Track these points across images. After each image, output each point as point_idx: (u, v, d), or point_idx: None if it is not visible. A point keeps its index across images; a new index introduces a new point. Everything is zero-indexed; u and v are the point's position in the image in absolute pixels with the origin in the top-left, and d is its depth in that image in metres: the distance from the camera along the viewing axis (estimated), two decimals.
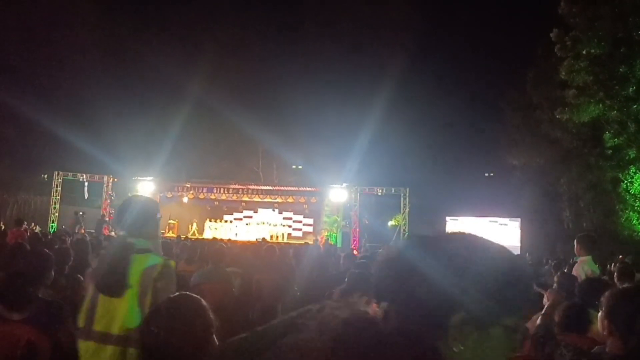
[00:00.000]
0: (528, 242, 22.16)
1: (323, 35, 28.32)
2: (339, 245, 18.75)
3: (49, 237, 10.93)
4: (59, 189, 20.62)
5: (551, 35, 18.30)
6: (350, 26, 29.12)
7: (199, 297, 1.85)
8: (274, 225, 22.16)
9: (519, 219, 23.19)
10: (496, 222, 23.32)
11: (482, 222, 23.03)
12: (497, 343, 0.87)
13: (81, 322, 2.62)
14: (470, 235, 0.96)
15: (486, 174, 24.70)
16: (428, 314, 0.83)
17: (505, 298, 0.86)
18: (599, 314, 2.02)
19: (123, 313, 2.50)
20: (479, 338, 0.85)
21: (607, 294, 2.01)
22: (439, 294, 0.82)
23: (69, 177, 21.00)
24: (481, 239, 0.95)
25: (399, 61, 24.99)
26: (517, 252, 15.78)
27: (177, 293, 2.01)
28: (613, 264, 10.79)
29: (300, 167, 26.02)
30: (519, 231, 22.93)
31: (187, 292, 1.95)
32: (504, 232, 22.81)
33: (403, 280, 0.87)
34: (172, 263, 2.73)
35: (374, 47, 28.94)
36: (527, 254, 14.21)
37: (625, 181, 18.32)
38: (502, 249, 0.93)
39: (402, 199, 21.34)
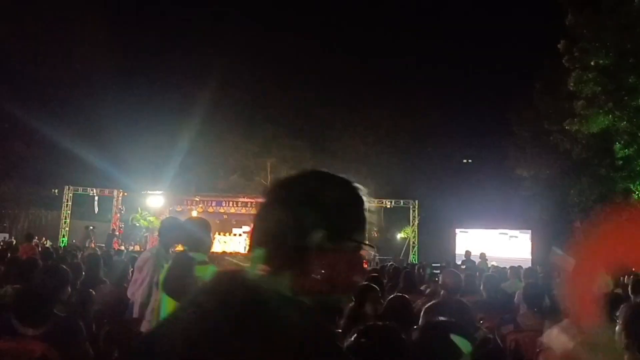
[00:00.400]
0: (539, 254, 21.97)
1: (329, 44, 28.47)
2: None
3: (60, 251, 11.04)
4: (70, 203, 20.78)
5: (558, 46, 18.30)
6: (354, 33, 29.27)
7: None
8: None
9: (530, 231, 23.05)
10: (506, 234, 23.19)
11: (492, 235, 22.92)
12: (350, 257, 1.05)
13: (154, 323, 3.19)
14: (317, 171, 1.15)
15: (495, 183, 24.53)
16: (293, 238, 1.00)
17: (352, 216, 1.08)
18: (617, 328, 2.00)
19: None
20: (335, 253, 1.02)
21: (623, 308, 2.02)
22: (299, 218, 1.00)
23: (79, 192, 21.17)
24: (327, 172, 1.15)
25: (406, 72, 25.11)
26: (528, 264, 15.69)
27: None
28: (626, 276, 10.70)
29: None
30: (529, 243, 22.77)
31: None
32: (514, 244, 22.68)
33: (273, 220, 1.04)
34: None
35: (380, 57, 29.03)
36: (537, 267, 14.07)
37: (637, 192, 18.17)
38: (344, 179, 1.14)
39: (411, 211, 21.29)
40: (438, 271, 8.15)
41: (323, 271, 1.00)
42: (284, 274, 0.99)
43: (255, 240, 1.06)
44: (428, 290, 5.96)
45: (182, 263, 3.09)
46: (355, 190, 1.14)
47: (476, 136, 26.80)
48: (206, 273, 2.86)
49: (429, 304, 2.43)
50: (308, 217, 1.01)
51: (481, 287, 5.65)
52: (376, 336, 2.01)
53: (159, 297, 3.15)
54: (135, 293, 4.15)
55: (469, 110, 27.19)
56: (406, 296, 3.74)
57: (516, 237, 23.09)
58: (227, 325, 0.92)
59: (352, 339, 2.03)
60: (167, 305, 2.98)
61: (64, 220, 20.59)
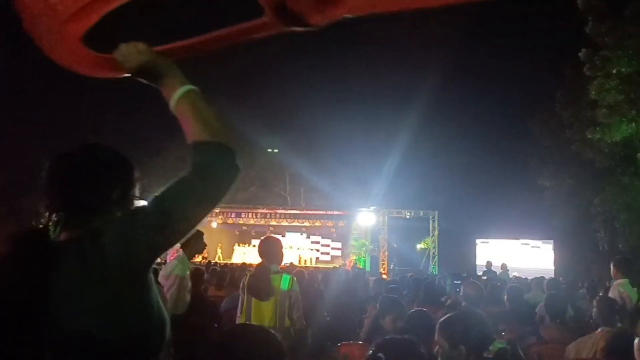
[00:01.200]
0: (562, 264, 21.65)
1: (350, 57, 28.65)
2: (367, 269, 18.63)
3: None
4: None
5: (579, 54, 18.13)
6: (378, 48, 29.35)
7: (273, 332, 1.68)
8: (302, 250, 22.18)
9: (552, 241, 22.72)
10: (528, 244, 22.91)
11: (513, 245, 22.64)
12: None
13: (242, 319, 3.89)
14: (98, 145, 1.54)
15: (516, 196, 24.29)
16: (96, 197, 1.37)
17: (133, 178, 1.52)
18: (636, 341, 2.01)
19: (269, 312, 3.87)
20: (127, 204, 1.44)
21: None
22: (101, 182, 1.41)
23: None
24: (108, 147, 1.54)
25: (426, 83, 25.01)
26: (551, 274, 15.46)
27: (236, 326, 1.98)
28: None
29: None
30: (552, 253, 22.45)
31: (260, 326, 1.86)
32: (536, 254, 22.38)
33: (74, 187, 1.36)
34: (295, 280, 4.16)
35: (401, 70, 29.05)
36: (560, 278, 13.86)
37: None
38: (120, 154, 1.54)
39: (430, 221, 21.15)
40: (459, 282, 8.06)
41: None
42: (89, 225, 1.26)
43: (56, 207, 1.32)
44: (449, 302, 5.89)
45: (262, 272, 4.03)
46: (128, 161, 1.50)
47: (497, 146, 26.56)
48: (281, 280, 3.99)
49: (443, 317, 2.41)
50: (106, 180, 1.38)
51: (505, 298, 5.58)
52: (394, 350, 2.02)
53: (246, 298, 3.94)
54: None
55: (490, 119, 26.99)
56: (426, 310, 3.70)
57: (538, 247, 22.78)
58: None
59: (370, 352, 2.02)
60: (253, 305, 3.89)
61: None
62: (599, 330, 3.69)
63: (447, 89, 26.77)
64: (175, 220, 1.23)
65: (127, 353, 1.16)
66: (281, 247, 4.29)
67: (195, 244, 4.82)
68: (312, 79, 28.04)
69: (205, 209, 1.30)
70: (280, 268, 4.22)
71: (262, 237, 4.55)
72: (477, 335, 2.22)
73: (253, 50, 27.68)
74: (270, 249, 4.19)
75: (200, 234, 4.92)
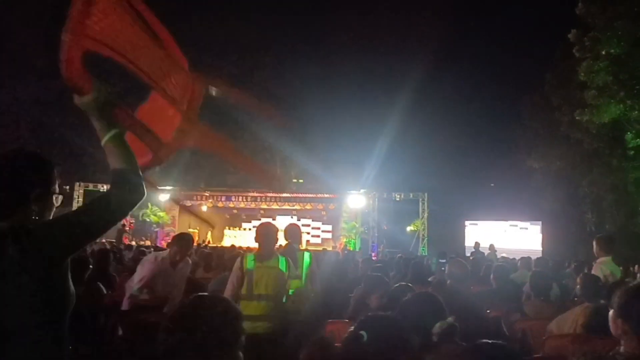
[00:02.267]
0: (550, 245, 21.88)
1: (342, 40, 28.43)
2: (358, 250, 18.72)
3: None
4: (81, 199, 20.96)
5: (569, 36, 18.11)
6: (369, 31, 29.15)
7: (224, 298, 1.78)
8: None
9: (540, 223, 22.94)
10: (516, 226, 23.12)
11: (502, 226, 22.83)
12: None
13: (244, 290, 4.07)
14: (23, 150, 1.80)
15: (505, 178, 24.44)
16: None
17: (52, 177, 1.82)
18: (610, 313, 1.97)
19: (273, 279, 4.16)
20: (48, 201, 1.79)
21: (619, 292, 1.96)
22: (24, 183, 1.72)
23: (89, 188, 21.33)
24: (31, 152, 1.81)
25: (417, 67, 24.94)
26: (538, 255, 15.61)
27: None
28: (637, 266, 10.60)
29: (301, 180, 25.85)
30: (540, 235, 22.67)
31: (221, 296, 1.88)
32: (524, 236, 22.60)
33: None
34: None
35: (392, 54, 28.95)
36: (549, 260, 14.01)
37: None
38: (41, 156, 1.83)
39: (420, 204, 21.24)
40: (444, 260, 8.12)
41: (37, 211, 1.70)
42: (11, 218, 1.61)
43: None
44: (435, 280, 5.94)
45: (292, 250, 5.01)
46: (48, 163, 1.80)
47: (487, 128, 26.63)
48: (303, 255, 4.99)
49: (417, 292, 2.47)
50: (25, 182, 1.69)
51: (491, 277, 5.63)
52: (376, 327, 2.01)
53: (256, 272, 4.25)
54: (128, 285, 4.33)
55: (480, 102, 27.01)
56: (410, 285, 3.72)
57: (526, 228, 23.00)
58: None
59: (352, 329, 2.04)
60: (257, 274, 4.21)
61: None
62: (578, 306, 3.73)
63: (438, 72, 26.75)
64: (80, 232, 1.63)
65: (55, 310, 1.59)
66: (301, 232, 5.60)
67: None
68: (303, 62, 27.84)
69: (112, 218, 1.70)
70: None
71: (288, 224, 5.54)
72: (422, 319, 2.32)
73: (246, 34, 27.45)
74: (294, 232, 5.33)
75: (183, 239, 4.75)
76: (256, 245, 4.38)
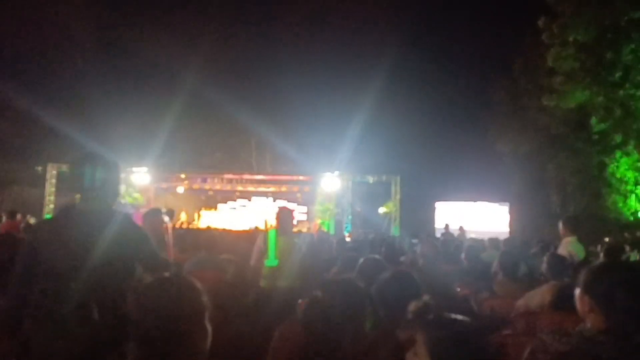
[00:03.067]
0: (517, 226, 22.59)
1: (315, 22, 28.40)
2: (331, 232, 19.00)
3: None
4: (54, 180, 20.64)
5: (538, 22, 18.49)
6: (341, 14, 29.18)
7: (192, 279, 1.75)
8: (268, 214, 22.37)
9: (508, 204, 23.61)
10: (485, 207, 23.77)
11: (471, 207, 23.44)
12: None
13: (267, 257, 5.19)
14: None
15: (475, 160, 24.98)
16: None
17: None
18: (576, 291, 1.98)
19: (287, 250, 5.25)
20: None
21: (585, 270, 1.98)
22: None
23: (63, 169, 21.01)
24: None
25: (389, 49, 25.11)
26: (506, 236, 16.16)
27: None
28: (600, 246, 11.14)
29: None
30: (508, 216, 23.36)
31: (182, 275, 1.88)
32: (493, 216, 23.25)
33: None
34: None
35: (364, 36, 28.98)
36: (517, 240, 14.53)
37: (612, 165, 18.68)
38: None
39: (393, 186, 21.59)
40: (416, 241, 8.43)
41: None
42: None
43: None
44: (407, 260, 6.21)
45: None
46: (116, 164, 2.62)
47: (458, 112, 27.09)
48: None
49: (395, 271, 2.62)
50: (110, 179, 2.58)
51: (462, 257, 5.92)
52: (333, 289, 2.10)
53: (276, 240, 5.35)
54: None
55: (451, 87, 27.40)
56: (378, 257, 3.83)
57: (495, 210, 23.66)
58: None
59: (312, 293, 2.14)
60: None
61: (48, 197, 20.47)
62: (545, 284, 3.90)
63: (409, 56, 26.94)
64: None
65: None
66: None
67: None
68: (277, 44, 27.75)
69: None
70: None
71: (280, 207, 6.03)
72: (395, 302, 2.33)
73: (218, 15, 27.14)
74: (285, 217, 5.68)
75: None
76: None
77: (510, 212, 23.45)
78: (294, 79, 25.43)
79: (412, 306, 2.06)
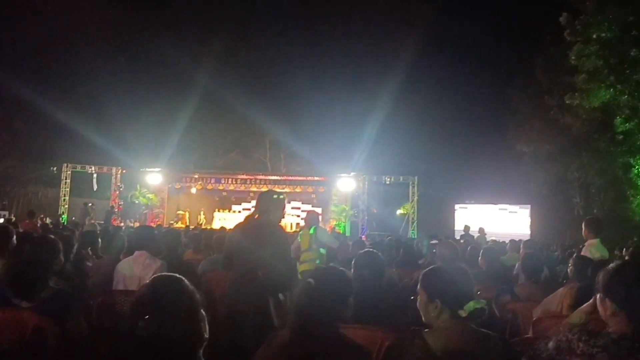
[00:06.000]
0: (538, 229, 22.08)
1: (332, 22, 28.15)
2: (347, 234, 18.75)
3: (60, 227, 11.07)
4: (68, 181, 20.72)
5: (560, 19, 18.09)
6: (359, 14, 28.89)
7: (180, 277, 1.77)
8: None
9: (529, 206, 23.09)
10: (506, 209, 23.26)
11: (491, 210, 22.96)
12: None
13: (304, 245, 6.21)
14: None
15: (495, 162, 24.53)
16: None
17: None
18: (597, 295, 1.94)
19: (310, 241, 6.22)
20: None
21: (602, 272, 1.92)
22: None
23: (77, 169, 21.10)
24: None
25: (407, 49, 24.80)
26: (526, 239, 15.72)
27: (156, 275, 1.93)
28: (624, 249, 10.72)
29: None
30: (529, 218, 22.84)
31: (168, 274, 1.85)
32: (513, 219, 22.75)
33: None
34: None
35: (382, 35, 28.68)
36: (537, 242, 14.13)
37: (637, 166, 18.13)
38: None
39: (410, 187, 21.27)
40: (436, 242, 8.14)
41: None
42: None
43: None
44: (425, 263, 5.93)
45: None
46: None
47: (477, 112, 26.62)
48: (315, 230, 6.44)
49: (427, 269, 2.41)
50: None
51: (479, 260, 5.63)
52: (322, 277, 2.25)
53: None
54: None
55: (470, 86, 26.94)
56: (374, 250, 3.76)
57: (515, 212, 23.15)
58: None
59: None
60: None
61: (63, 198, 20.57)
62: (563, 287, 3.72)
63: (428, 55, 26.64)
64: None
65: None
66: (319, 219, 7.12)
67: None
68: (293, 45, 27.57)
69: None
70: None
71: (308, 211, 7.44)
72: (454, 292, 2.24)
73: (233, 15, 27.13)
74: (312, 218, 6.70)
75: None
76: None
77: (532, 215, 22.94)
78: (308, 79, 25.28)
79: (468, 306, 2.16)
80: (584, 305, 2.90)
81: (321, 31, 26.99)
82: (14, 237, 4.45)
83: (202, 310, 1.71)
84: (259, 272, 3.56)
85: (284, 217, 4.22)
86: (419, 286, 2.34)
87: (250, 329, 3.46)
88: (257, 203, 3.97)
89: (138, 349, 1.62)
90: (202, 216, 21.83)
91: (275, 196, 3.99)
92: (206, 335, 1.70)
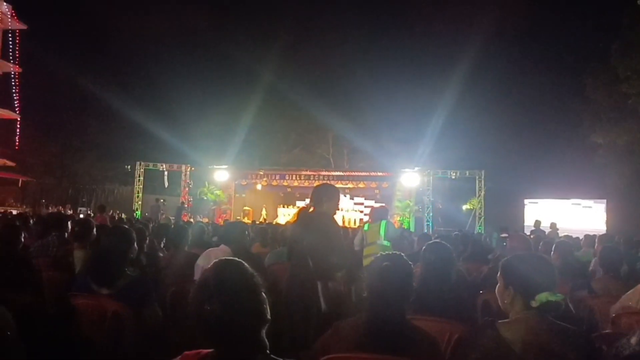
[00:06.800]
0: (614, 225, 20.90)
1: (394, 15, 27.88)
2: (412, 229, 18.53)
3: (134, 222, 11.62)
4: (142, 178, 21.68)
5: (638, 2, 17.07)
6: (422, 7, 28.46)
7: (240, 260, 1.81)
8: (346, 211, 22.21)
9: (605, 201, 21.93)
10: (579, 204, 22.20)
11: (564, 205, 21.99)
12: None
13: (371, 238, 6.50)
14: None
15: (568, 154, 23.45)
16: None
17: None
18: None
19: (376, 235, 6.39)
20: None
21: None
22: None
23: (150, 167, 22.05)
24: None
25: (472, 37, 24.15)
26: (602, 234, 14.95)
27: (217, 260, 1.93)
28: None
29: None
30: (604, 214, 21.71)
31: (229, 258, 1.87)
32: (588, 214, 21.69)
33: None
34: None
35: (446, 25, 28.09)
36: (615, 237, 13.38)
37: None
38: None
39: (477, 182, 20.74)
40: (506, 235, 7.88)
41: None
42: None
43: None
44: (495, 256, 5.76)
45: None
46: None
47: (548, 102, 25.54)
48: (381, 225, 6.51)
49: (506, 259, 2.36)
50: None
51: (552, 254, 5.41)
52: (391, 260, 2.42)
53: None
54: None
55: (540, 74, 25.86)
56: (443, 242, 3.68)
57: (590, 207, 22.03)
58: None
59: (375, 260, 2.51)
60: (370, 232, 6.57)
61: (136, 195, 21.56)
62: None
63: (494, 44, 25.82)
64: None
65: None
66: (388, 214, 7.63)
67: None
68: (355, 40, 27.55)
69: None
70: None
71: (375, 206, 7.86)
72: (528, 281, 2.20)
73: (296, 14, 27.41)
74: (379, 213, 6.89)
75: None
76: None
77: (607, 210, 21.75)
78: (371, 74, 25.20)
79: (542, 297, 2.15)
80: None
81: (383, 25, 26.83)
82: (94, 229, 4.74)
83: (263, 293, 1.74)
84: (309, 259, 3.76)
85: (338, 209, 4.38)
86: (498, 273, 2.32)
87: (298, 314, 3.69)
88: (311, 196, 4.14)
89: (204, 332, 1.67)
90: (264, 212, 22.27)
91: (328, 188, 4.20)
92: (268, 317, 1.72)
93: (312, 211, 4.04)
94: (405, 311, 2.38)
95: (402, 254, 2.50)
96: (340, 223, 18.09)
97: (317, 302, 3.68)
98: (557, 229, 14.99)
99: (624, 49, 20.13)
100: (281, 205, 23.10)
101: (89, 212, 16.97)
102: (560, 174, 23.06)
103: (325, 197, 4.04)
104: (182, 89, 24.49)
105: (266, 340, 1.72)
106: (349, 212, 22.36)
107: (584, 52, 23.83)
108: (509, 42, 26.76)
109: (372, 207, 22.90)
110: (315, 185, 4.53)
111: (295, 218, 4.15)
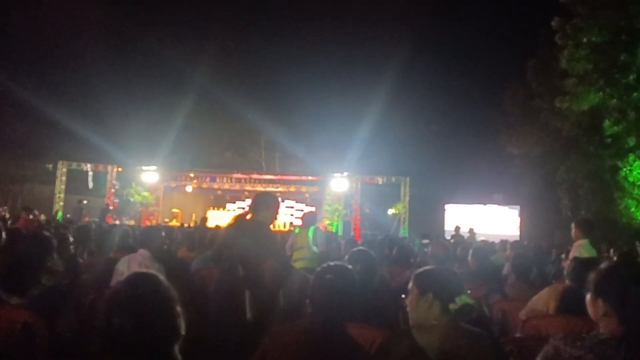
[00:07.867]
0: (527, 230, 22.27)
1: (325, 23, 28.15)
2: (340, 233, 18.81)
3: (53, 224, 11.07)
4: (64, 178, 20.61)
5: (552, 23, 18.22)
6: (352, 15, 28.92)
7: (155, 273, 1.77)
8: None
9: (518, 207, 23.29)
10: (495, 209, 23.46)
11: (481, 210, 23.14)
12: None
13: (299, 242, 6.73)
14: None
15: (485, 163, 24.68)
16: None
17: None
18: (587, 296, 1.89)
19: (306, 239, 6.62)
20: None
21: (594, 273, 1.89)
22: None
23: (73, 167, 21.01)
24: None
25: (400, 50, 24.84)
26: (516, 239, 15.87)
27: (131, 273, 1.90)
28: (612, 250, 10.85)
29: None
30: (518, 219, 23.04)
31: (144, 271, 1.85)
32: (503, 219, 22.94)
33: None
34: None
35: (375, 36, 28.71)
36: (525, 242, 14.25)
37: (624, 169, 18.30)
38: None
39: (402, 187, 21.38)
40: (427, 241, 8.21)
41: None
42: None
43: None
44: (416, 261, 5.99)
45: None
46: None
47: (468, 114, 26.76)
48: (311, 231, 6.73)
49: (420, 269, 2.48)
50: None
51: (469, 259, 5.69)
52: (339, 273, 2.42)
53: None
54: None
55: (462, 88, 27.05)
56: (366, 249, 3.88)
57: (505, 213, 23.34)
58: None
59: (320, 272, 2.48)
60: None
61: (58, 195, 20.45)
62: (546, 288, 3.74)
63: (420, 56, 26.69)
64: None
65: None
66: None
67: None
68: (287, 44, 27.57)
69: None
70: None
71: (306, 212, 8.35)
72: (446, 286, 2.32)
73: (228, 14, 27.11)
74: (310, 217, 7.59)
75: None
76: None
77: (521, 215, 23.11)
78: (303, 79, 25.31)
79: (454, 305, 2.25)
80: None
81: (315, 32, 27.01)
82: (3, 233, 4.45)
83: (177, 307, 1.70)
84: (239, 267, 3.72)
85: (276, 219, 4.32)
86: (410, 284, 2.39)
87: (224, 321, 3.65)
88: (251, 202, 4.14)
89: (112, 347, 1.62)
90: (194, 217, 21.83)
91: (267, 197, 4.27)
92: (182, 332, 1.67)
93: (249, 218, 4.01)
94: (345, 321, 2.38)
95: (346, 265, 2.56)
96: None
97: (243, 310, 3.64)
98: (475, 234, 15.77)
99: (539, 66, 21.44)
100: (211, 208, 22.74)
101: (5, 213, 15.83)
102: (478, 181, 24.21)
103: (264, 205, 4.05)
104: (110, 86, 23.46)
105: (179, 356, 1.66)
106: (280, 215, 22.33)
107: (502, 68, 25.19)
108: (434, 56, 27.76)
109: (302, 211, 23.13)
110: (256, 190, 4.62)
111: (232, 223, 4.09)
